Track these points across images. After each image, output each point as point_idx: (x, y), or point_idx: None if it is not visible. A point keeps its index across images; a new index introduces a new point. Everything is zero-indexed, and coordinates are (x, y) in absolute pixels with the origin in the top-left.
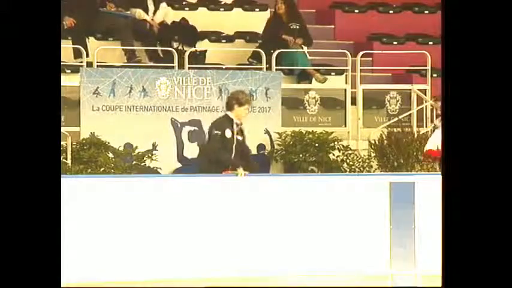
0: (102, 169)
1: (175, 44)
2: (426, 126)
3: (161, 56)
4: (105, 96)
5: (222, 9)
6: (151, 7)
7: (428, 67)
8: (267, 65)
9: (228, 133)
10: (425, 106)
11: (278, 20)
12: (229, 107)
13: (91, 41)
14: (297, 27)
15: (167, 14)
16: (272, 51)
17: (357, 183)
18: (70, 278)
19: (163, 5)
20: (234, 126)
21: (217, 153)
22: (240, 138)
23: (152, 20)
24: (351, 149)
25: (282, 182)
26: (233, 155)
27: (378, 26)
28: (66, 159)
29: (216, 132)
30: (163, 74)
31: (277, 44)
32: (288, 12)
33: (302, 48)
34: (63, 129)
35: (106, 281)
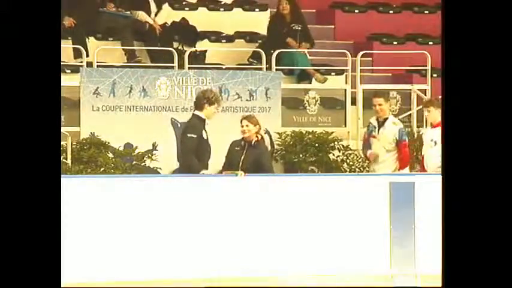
0: (102, 169)
1: (175, 44)
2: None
3: (161, 56)
4: (105, 96)
5: (222, 9)
6: (153, 8)
7: (428, 67)
8: (267, 65)
9: (204, 134)
10: None
11: (281, 20)
12: (199, 106)
13: (91, 41)
14: (299, 27)
15: (169, 16)
16: (272, 51)
17: (357, 183)
18: (70, 278)
19: (165, 6)
20: (206, 126)
21: (196, 156)
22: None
23: (154, 21)
24: (351, 149)
25: (282, 182)
26: (209, 156)
27: (378, 26)
28: (66, 159)
29: (191, 135)
30: (163, 74)
31: (280, 44)
32: (292, 12)
33: (297, 43)
34: (63, 129)
35: (106, 281)
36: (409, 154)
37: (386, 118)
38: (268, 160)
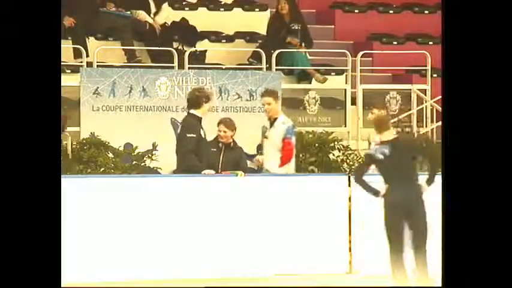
0: (102, 169)
1: (175, 44)
2: (426, 126)
3: (161, 56)
4: (105, 96)
5: (222, 9)
6: (153, 9)
7: (428, 67)
8: (267, 65)
9: (202, 133)
10: (425, 106)
11: (280, 20)
12: (197, 104)
13: (91, 41)
14: (298, 27)
15: (169, 16)
16: (272, 51)
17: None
18: (70, 278)
19: (165, 5)
20: (202, 125)
21: (196, 155)
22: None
23: (154, 21)
24: (351, 149)
25: (282, 182)
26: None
27: (378, 26)
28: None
29: (190, 135)
30: (163, 74)
31: (280, 44)
32: (291, 12)
33: (299, 43)
34: None
35: (106, 281)
36: (290, 152)
37: (277, 118)
38: (245, 162)
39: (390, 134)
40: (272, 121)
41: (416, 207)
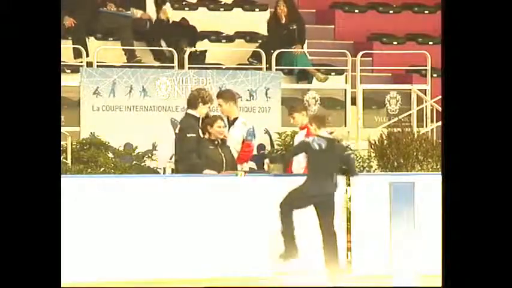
0: (102, 169)
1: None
2: (426, 126)
3: (161, 55)
4: (105, 96)
5: (222, 9)
6: (149, 9)
7: (428, 67)
8: (267, 65)
9: (201, 133)
10: (425, 106)
11: (279, 21)
12: (192, 105)
13: (91, 41)
14: (295, 27)
15: (170, 15)
16: (272, 51)
17: (357, 183)
18: (70, 278)
19: (166, 6)
20: (201, 124)
21: (197, 155)
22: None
23: (162, 17)
24: (351, 149)
25: (282, 181)
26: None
27: (378, 26)
28: (66, 159)
29: (190, 135)
30: (163, 74)
31: (280, 45)
32: (289, 14)
33: (302, 48)
34: (63, 129)
35: (106, 281)
36: (248, 154)
37: (236, 118)
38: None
39: (324, 132)
40: (232, 121)
41: (328, 201)
